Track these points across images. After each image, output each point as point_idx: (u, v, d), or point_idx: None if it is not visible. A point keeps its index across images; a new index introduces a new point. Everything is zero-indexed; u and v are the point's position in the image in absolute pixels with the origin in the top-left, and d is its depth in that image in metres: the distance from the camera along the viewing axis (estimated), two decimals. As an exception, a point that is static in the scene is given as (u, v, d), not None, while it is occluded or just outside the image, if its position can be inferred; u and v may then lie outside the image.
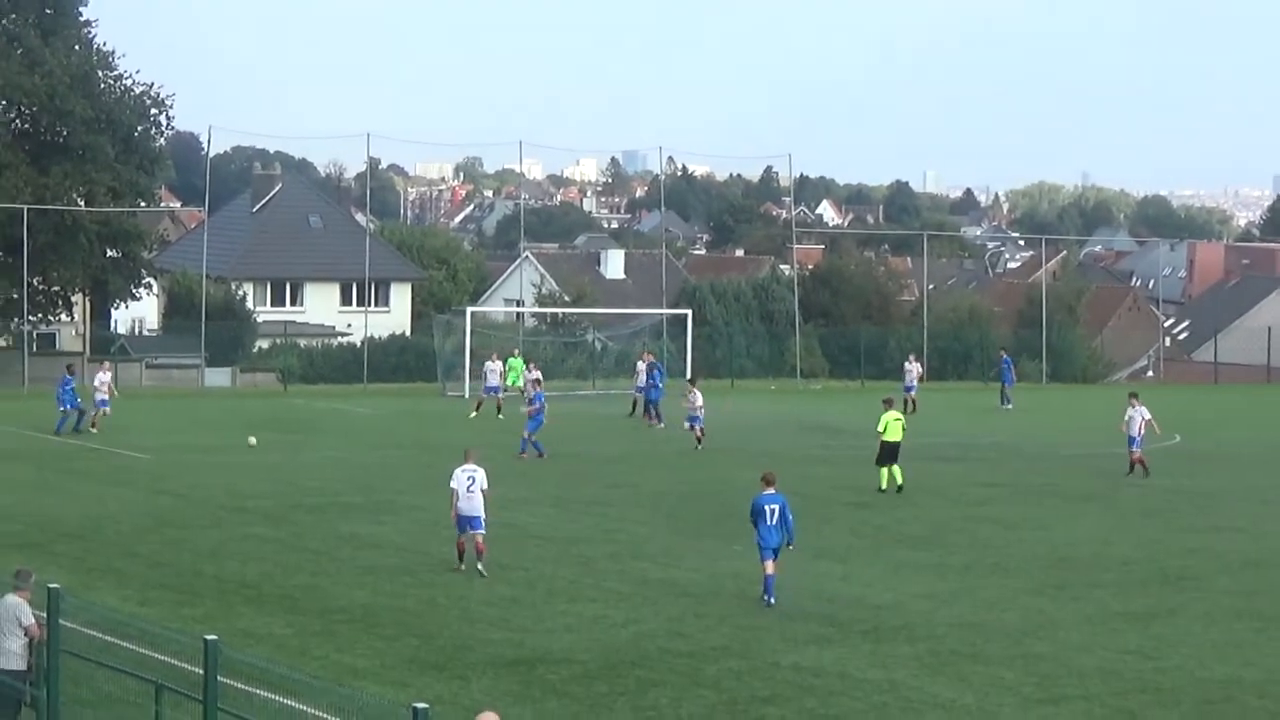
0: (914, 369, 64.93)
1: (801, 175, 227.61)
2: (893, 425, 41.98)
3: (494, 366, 59.76)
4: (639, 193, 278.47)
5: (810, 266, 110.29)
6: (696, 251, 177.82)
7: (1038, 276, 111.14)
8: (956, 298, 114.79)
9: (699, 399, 51.49)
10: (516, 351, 65.71)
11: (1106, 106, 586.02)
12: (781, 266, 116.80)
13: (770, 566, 28.49)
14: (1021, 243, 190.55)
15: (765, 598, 28.51)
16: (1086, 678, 23.99)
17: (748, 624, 26.88)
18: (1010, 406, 65.90)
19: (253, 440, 48.47)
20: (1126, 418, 46.30)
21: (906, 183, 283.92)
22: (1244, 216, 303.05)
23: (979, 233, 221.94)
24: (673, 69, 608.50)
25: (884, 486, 41.63)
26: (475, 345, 70.16)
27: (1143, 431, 45.89)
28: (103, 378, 53.21)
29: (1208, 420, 57.83)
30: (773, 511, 28.65)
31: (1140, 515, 39.62)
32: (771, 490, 28.94)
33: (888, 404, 43.46)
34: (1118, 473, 46.51)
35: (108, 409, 52.21)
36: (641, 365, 59.47)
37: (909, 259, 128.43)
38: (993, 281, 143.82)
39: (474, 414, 57.55)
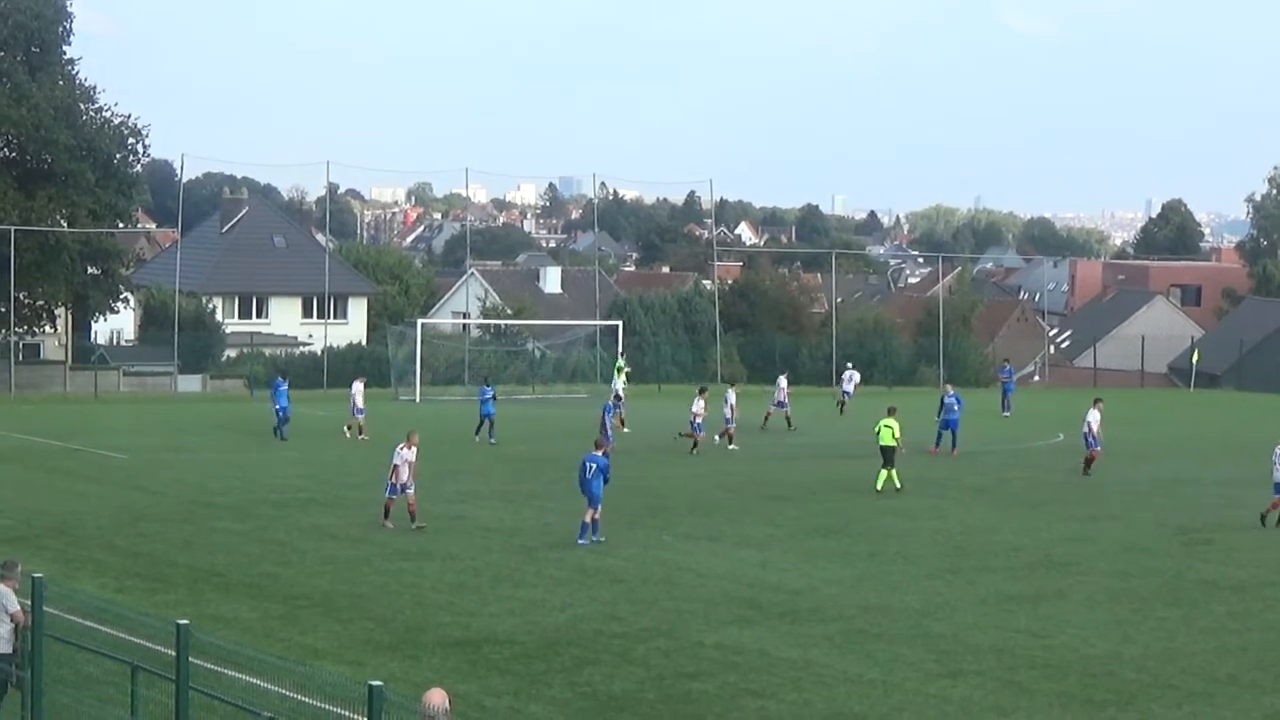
0: (854, 375, 65.30)
1: (721, 199, 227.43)
2: (885, 431, 41.16)
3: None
4: (574, 215, 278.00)
5: (730, 282, 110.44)
6: (627, 268, 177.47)
7: (935, 291, 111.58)
8: (862, 310, 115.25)
9: (701, 405, 49.85)
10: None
11: (997, 137, 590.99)
12: (704, 282, 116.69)
13: (590, 515, 32.10)
14: (920, 260, 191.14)
15: (593, 538, 32.06)
16: (981, 654, 24.03)
17: (674, 607, 26.80)
18: (1008, 414, 64.63)
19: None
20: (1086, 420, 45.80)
21: (817, 206, 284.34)
22: (1119, 236, 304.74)
23: (882, 251, 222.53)
24: (605, 103, 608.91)
25: (880, 487, 40.44)
26: (425, 354, 70.19)
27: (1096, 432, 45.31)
28: (357, 387, 52.11)
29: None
30: (592, 468, 32.17)
31: (1027, 506, 39.73)
32: (599, 453, 32.77)
33: (890, 411, 42.17)
34: (1007, 467, 46.67)
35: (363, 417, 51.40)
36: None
37: (819, 275, 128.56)
38: (894, 295, 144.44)
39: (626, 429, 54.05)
